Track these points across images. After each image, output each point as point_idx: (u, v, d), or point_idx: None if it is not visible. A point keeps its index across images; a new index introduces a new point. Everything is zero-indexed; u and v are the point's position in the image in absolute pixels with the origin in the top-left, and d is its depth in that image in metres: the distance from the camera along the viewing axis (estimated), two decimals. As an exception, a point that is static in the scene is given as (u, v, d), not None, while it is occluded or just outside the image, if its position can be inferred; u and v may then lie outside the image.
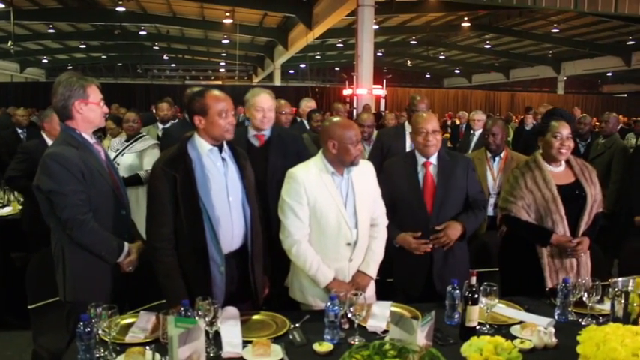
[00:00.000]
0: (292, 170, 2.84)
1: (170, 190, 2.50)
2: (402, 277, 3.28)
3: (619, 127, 9.86)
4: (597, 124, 6.90)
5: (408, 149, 4.53)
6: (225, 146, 2.67)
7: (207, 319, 2.15)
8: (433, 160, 3.20)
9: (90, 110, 2.64)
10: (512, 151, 4.72)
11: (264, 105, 3.47)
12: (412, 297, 3.04)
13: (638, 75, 31.75)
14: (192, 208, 2.51)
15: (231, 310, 2.48)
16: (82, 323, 2.04)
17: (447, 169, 3.20)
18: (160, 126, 6.21)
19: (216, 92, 2.62)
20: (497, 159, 4.45)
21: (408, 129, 4.56)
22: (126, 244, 2.69)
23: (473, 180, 3.33)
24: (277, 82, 29.67)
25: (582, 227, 3.10)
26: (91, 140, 2.71)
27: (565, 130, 3.09)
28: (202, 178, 2.55)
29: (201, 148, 2.60)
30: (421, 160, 3.20)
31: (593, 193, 3.13)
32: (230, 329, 2.33)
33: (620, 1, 15.26)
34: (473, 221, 3.22)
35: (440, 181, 3.17)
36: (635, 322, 2.19)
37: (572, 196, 3.11)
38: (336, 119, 2.91)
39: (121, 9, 19.31)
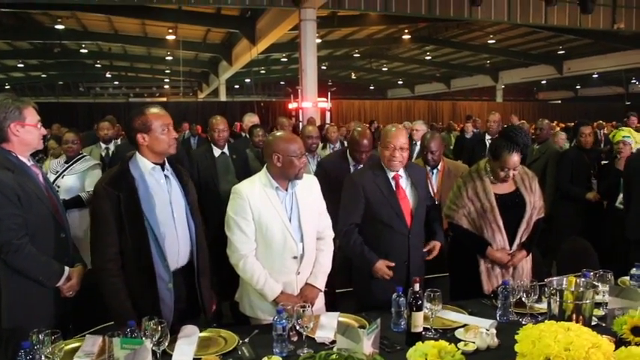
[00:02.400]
0: (237, 186, 2.87)
1: (114, 209, 2.48)
2: (380, 288, 3.11)
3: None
4: (533, 130, 7.21)
5: None
6: (167, 164, 2.66)
7: (154, 339, 2.13)
8: (401, 172, 3.24)
9: (27, 132, 2.58)
10: (448, 160, 4.76)
11: None
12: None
13: (570, 82, 33.28)
14: (138, 226, 2.50)
15: (191, 329, 2.47)
16: (22, 351, 1.98)
17: (414, 180, 3.25)
18: (103, 145, 6.09)
19: (155, 109, 2.62)
20: (435, 171, 4.49)
21: (352, 162, 4.41)
22: (66, 269, 2.62)
23: (428, 188, 3.45)
24: (223, 97, 29.49)
25: (520, 234, 3.22)
26: (28, 163, 2.65)
27: (513, 163, 3.12)
28: (146, 196, 2.53)
29: (144, 166, 2.59)
30: (390, 172, 3.21)
31: (532, 201, 3.25)
32: (184, 347, 2.32)
33: (549, 13, 15.99)
34: (441, 233, 3.39)
35: (411, 193, 3.23)
36: (569, 319, 2.28)
37: (512, 204, 3.22)
38: (279, 133, 2.97)
39: (60, 26, 18.81)
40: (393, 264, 3.13)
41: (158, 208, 2.56)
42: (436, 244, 3.31)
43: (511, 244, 3.23)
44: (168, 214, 2.60)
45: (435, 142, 4.43)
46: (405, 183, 3.24)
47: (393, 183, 3.20)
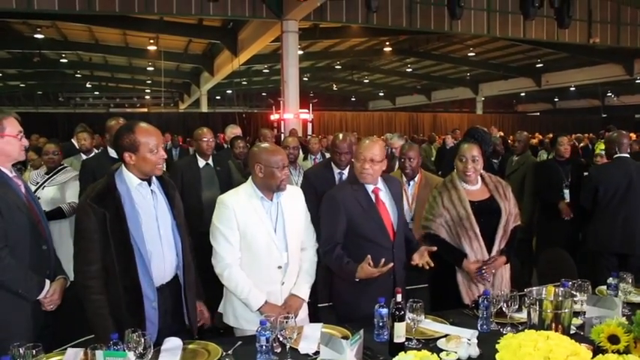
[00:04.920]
0: (222, 196, 2.88)
1: (99, 227, 2.42)
2: (364, 303, 2.89)
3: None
4: (511, 142, 7.36)
5: None
6: (153, 178, 2.62)
7: (137, 351, 2.12)
8: (380, 185, 3.15)
9: (7, 143, 2.56)
10: (426, 172, 4.71)
11: None
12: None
13: (548, 95, 33.82)
14: (123, 245, 2.45)
15: (174, 342, 2.44)
16: (4, 365, 1.97)
17: (392, 194, 3.20)
18: (83, 157, 6.02)
19: (145, 126, 2.54)
20: (411, 183, 4.43)
21: (336, 169, 4.44)
22: (47, 282, 2.59)
23: (403, 199, 3.42)
24: (204, 108, 29.41)
25: (498, 240, 3.26)
26: (10, 174, 2.62)
27: (470, 153, 3.22)
28: (132, 213, 2.49)
29: (130, 182, 2.54)
30: (370, 186, 3.12)
31: (508, 208, 3.29)
32: None
33: (528, 27, 16.28)
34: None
35: (391, 205, 3.17)
36: (549, 328, 2.32)
37: (487, 211, 3.26)
38: (264, 144, 2.99)
39: (39, 36, 18.66)
40: (369, 259, 2.89)
41: (144, 226, 2.52)
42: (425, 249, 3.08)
43: (489, 251, 3.25)
44: (154, 231, 2.57)
45: (413, 150, 4.44)
46: (385, 196, 3.17)
47: (373, 197, 3.13)
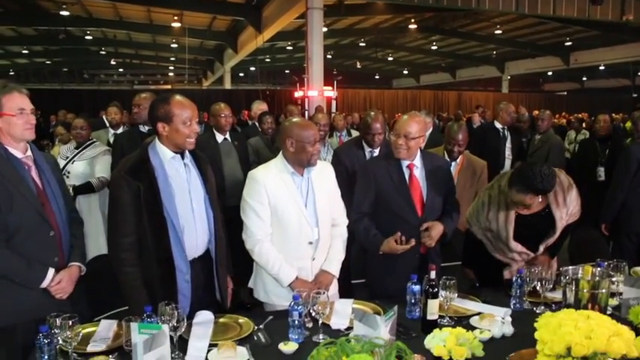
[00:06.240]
0: (253, 171, 2.87)
1: (133, 199, 2.43)
2: (392, 279, 3.04)
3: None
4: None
5: None
6: (186, 152, 2.62)
7: (170, 324, 2.13)
8: (417, 162, 3.12)
9: (5, 123, 2.39)
10: (468, 154, 4.45)
11: None
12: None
13: (576, 74, 33.07)
14: (157, 218, 2.45)
15: (206, 315, 2.46)
16: (41, 334, 1.99)
17: (430, 172, 3.13)
18: (111, 131, 6.07)
19: (180, 99, 2.54)
20: (453, 163, 4.22)
21: (367, 147, 4.28)
22: (50, 271, 2.45)
23: (452, 182, 3.30)
24: (228, 85, 29.42)
25: (544, 245, 3.12)
26: (21, 155, 2.47)
27: (522, 200, 2.92)
28: (166, 186, 2.49)
29: (164, 155, 2.54)
30: (405, 161, 3.10)
31: (564, 216, 3.06)
32: (199, 333, 2.31)
33: (558, 4, 15.86)
34: (452, 225, 3.17)
35: (425, 183, 3.11)
36: (585, 308, 2.28)
37: (539, 221, 3.07)
38: (295, 119, 2.97)
39: (65, 13, 18.73)
40: (398, 235, 2.96)
41: (177, 199, 2.52)
42: (433, 224, 3.06)
43: (535, 250, 3.12)
44: (187, 204, 2.57)
45: (463, 134, 4.18)
46: (419, 173, 3.13)
47: (407, 172, 3.11)
